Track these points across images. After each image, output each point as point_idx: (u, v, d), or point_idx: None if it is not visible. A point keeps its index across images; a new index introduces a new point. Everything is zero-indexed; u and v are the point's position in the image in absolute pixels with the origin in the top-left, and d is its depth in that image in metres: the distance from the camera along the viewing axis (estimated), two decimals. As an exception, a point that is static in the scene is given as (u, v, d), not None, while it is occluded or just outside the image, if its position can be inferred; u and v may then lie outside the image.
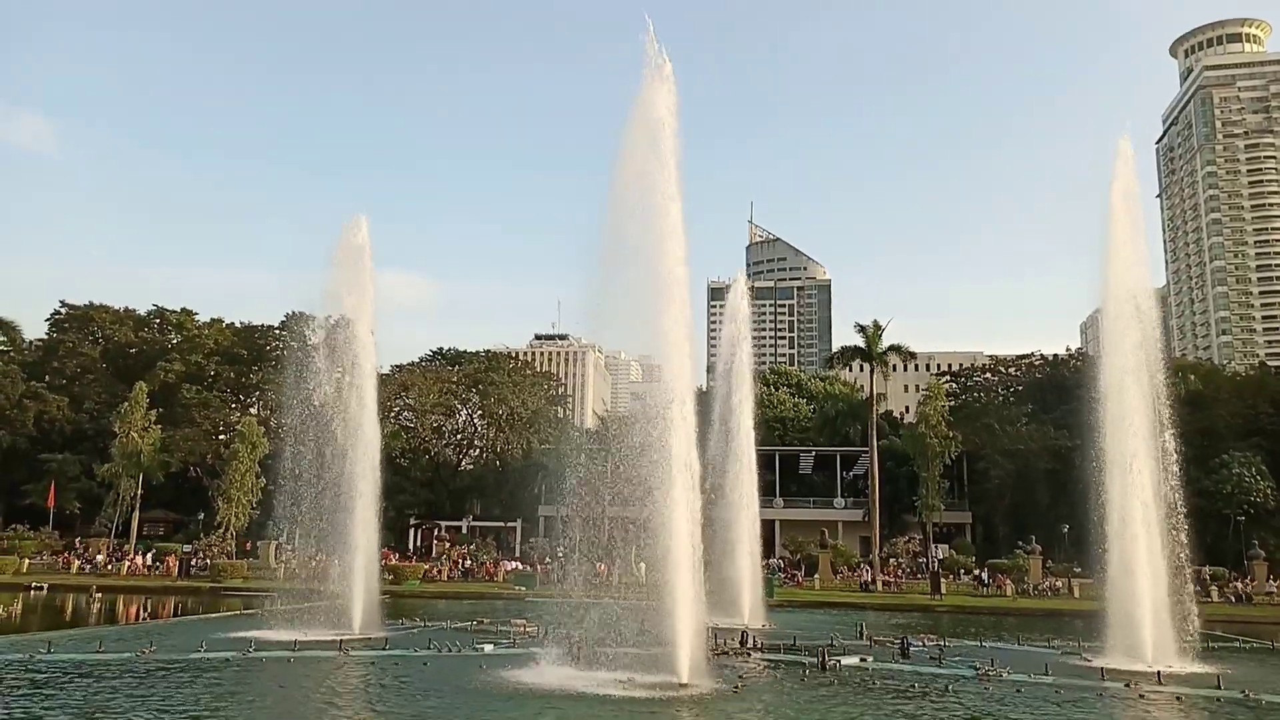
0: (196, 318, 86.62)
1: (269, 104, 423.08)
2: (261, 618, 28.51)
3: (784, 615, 36.55)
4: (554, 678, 17.62)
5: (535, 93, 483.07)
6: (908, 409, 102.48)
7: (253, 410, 79.11)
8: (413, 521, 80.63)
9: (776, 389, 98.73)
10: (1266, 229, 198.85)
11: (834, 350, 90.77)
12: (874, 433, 65.92)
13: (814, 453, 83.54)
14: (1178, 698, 18.09)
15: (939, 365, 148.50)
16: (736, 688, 17.31)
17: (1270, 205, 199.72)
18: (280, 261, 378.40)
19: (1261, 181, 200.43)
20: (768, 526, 60.38)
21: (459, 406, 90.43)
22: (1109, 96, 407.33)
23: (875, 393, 68.95)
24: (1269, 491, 64.08)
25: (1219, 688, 18.85)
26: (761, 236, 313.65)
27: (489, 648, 23.28)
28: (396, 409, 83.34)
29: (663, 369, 20.21)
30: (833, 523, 73.18)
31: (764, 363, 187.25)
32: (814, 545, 62.14)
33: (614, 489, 19.83)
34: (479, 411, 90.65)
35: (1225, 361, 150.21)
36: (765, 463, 56.83)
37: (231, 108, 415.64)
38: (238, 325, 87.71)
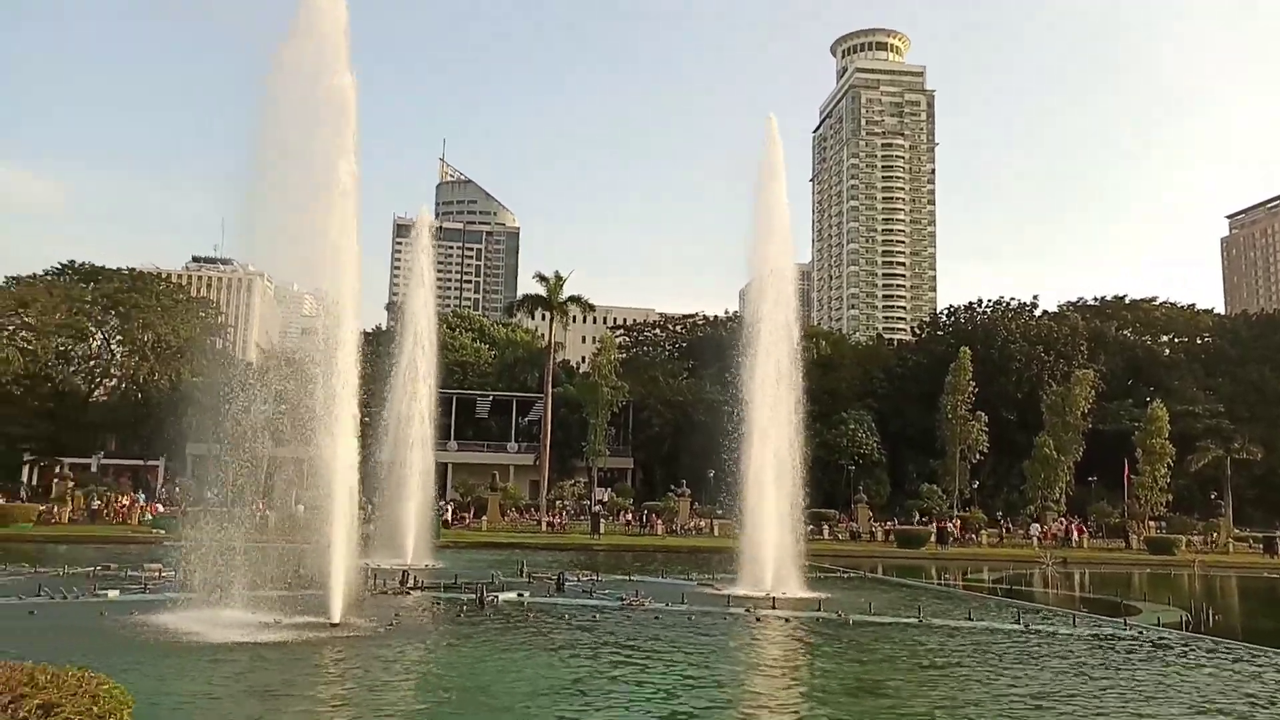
0: None
1: None
2: None
3: (451, 555, 36.82)
4: (190, 623, 16.40)
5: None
6: (584, 359, 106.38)
7: None
8: (28, 458, 70.49)
9: (459, 333, 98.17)
10: (891, 219, 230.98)
11: (518, 298, 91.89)
12: (549, 380, 67.94)
13: (491, 397, 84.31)
14: (785, 619, 20.86)
15: (615, 319, 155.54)
16: (390, 626, 17.25)
17: (895, 199, 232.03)
18: None
19: (891, 177, 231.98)
20: (440, 469, 60.15)
21: (93, 330, 79.79)
22: (781, 84, 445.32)
23: (553, 341, 71.00)
24: (875, 445, 75.27)
25: (819, 610, 22.08)
26: (453, 177, 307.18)
27: (114, 594, 21.01)
28: (11, 328, 71.87)
29: (328, 308, 19.25)
30: (505, 466, 74.66)
31: (448, 305, 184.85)
32: (485, 488, 63.06)
33: (275, 428, 18.76)
34: (118, 336, 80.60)
35: (852, 332, 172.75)
36: (443, 405, 56.25)
37: None
38: None
